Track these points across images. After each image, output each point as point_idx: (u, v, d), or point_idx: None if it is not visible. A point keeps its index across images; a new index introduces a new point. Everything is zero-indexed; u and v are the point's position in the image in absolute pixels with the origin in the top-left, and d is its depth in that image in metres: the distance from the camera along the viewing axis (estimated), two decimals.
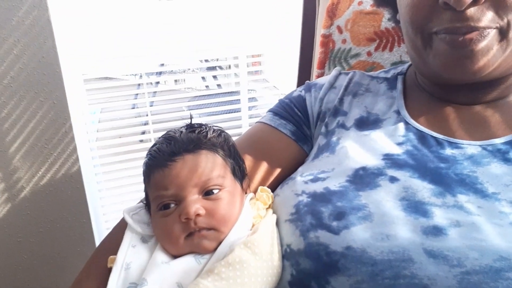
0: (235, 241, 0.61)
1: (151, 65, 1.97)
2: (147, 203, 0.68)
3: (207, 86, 2.76)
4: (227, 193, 0.64)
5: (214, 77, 2.56)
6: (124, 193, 1.76)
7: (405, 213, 0.56)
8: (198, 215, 0.60)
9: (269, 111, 0.83)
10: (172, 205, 0.63)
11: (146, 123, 1.93)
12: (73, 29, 1.57)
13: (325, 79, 0.83)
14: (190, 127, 0.69)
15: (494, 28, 0.59)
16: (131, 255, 0.63)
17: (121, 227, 0.70)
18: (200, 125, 0.69)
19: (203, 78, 2.65)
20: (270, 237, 0.62)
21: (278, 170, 0.76)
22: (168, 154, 0.64)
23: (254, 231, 0.61)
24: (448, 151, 0.63)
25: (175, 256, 0.62)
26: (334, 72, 0.83)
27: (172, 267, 0.60)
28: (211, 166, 0.64)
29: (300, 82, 1.14)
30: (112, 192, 1.77)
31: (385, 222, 0.55)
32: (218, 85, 2.58)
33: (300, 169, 0.73)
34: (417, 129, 0.67)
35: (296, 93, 0.84)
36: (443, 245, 0.51)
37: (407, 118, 0.70)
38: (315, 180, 0.66)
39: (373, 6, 0.95)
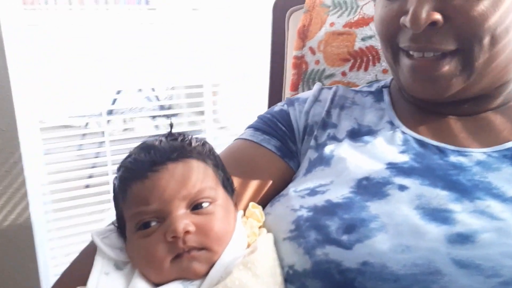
0: (230, 263, 0.54)
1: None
2: (120, 224, 0.60)
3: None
4: (220, 207, 0.57)
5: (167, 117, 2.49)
6: (75, 234, 1.62)
7: (423, 221, 0.52)
8: (187, 232, 0.53)
9: (249, 127, 0.78)
10: (154, 223, 0.55)
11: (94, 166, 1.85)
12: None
13: (307, 94, 0.80)
14: (170, 135, 0.62)
15: (454, 51, 0.59)
16: (104, 285, 0.54)
17: (88, 254, 0.61)
18: (181, 133, 0.62)
19: (156, 126, 2.56)
20: (271, 257, 0.56)
21: (264, 189, 0.70)
22: (148, 163, 0.56)
23: (252, 251, 0.55)
24: (453, 158, 0.61)
25: (157, 284, 0.54)
26: (316, 86, 0.81)
27: None
28: (201, 176, 0.58)
29: (271, 106, 1.11)
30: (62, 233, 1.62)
31: (402, 232, 0.51)
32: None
33: (291, 185, 0.68)
34: (415, 138, 0.65)
35: (277, 108, 0.80)
36: (473, 254, 0.47)
37: (402, 128, 0.67)
38: (312, 193, 0.62)
39: (346, 27, 0.96)
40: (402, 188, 0.57)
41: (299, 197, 0.62)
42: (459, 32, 0.58)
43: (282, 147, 0.74)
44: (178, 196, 0.55)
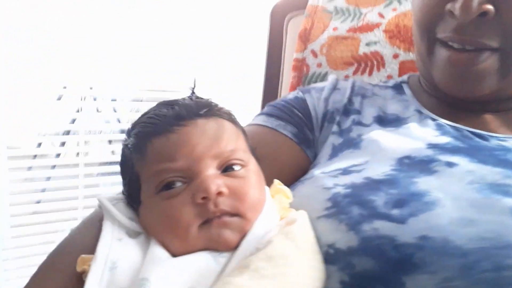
0: (264, 235, 0.46)
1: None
2: (132, 190, 0.51)
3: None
4: (252, 172, 0.51)
5: None
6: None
7: (482, 195, 0.47)
8: (219, 193, 0.46)
9: (260, 114, 0.72)
10: (179, 184, 0.47)
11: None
12: None
13: (322, 83, 0.77)
14: (193, 95, 0.55)
15: (496, 49, 0.57)
16: (117, 251, 0.45)
17: (92, 222, 0.52)
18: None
19: (112, 152, 2.40)
20: (311, 230, 0.48)
21: (281, 175, 0.63)
22: (174, 117, 0.49)
23: (290, 222, 0.47)
24: (494, 142, 0.58)
25: (179, 255, 0.45)
26: (331, 76, 0.77)
27: (182, 265, 0.44)
28: (233, 136, 0.51)
29: None
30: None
31: (461, 206, 0.46)
32: None
33: (314, 170, 0.62)
34: (448, 124, 0.62)
35: (291, 95, 0.75)
36: None
37: (433, 116, 0.64)
38: (346, 173, 0.56)
39: (349, 32, 0.94)
40: (450, 164, 0.52)
41: (330, 177, 0.57)
42: (506, 29, 0.56)
43: (299, 133, 0.68)
44: (209, 154, 0.48)
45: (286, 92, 0.98)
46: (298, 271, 0.43)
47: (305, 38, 0.96)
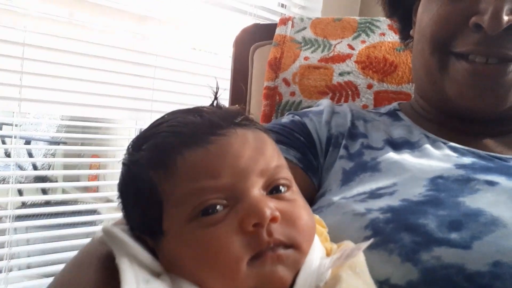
0: (319, 271, 0.39)
1: None
2: (149, 218, 0.40)
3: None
4: (298, 195, 0.43)
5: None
6: None
7: None
8: (273, 219, 0.37)
9: None
10: (220, 208, 0.38)
11: None
12: None
13: (318, 108, 0.72)
14: (217, 102, 0.46)
15: None
16: None
17: (88, 262, 0.41)
18: None
19: (23, 204, 2.13)
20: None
21: None
22: (208, 125, 0.40)
23: (347, 255, 0.40)
24: None
25: None
26: (325, 101, 0.73)
27: None
28: (276, 149, 0.43)
29: None
30: None
31: None
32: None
33: (328, 196, 0.56)
34: (461, 147, 0.59)
35: (286, 119, 0.69)
36: None
37: (441, 139, 0.61)
38: (375, 196, 0.51)
39: (321, 62, 0.92)
40: (490, 183, 0.49)
41: (357, 202, 0.51)
42: None
43: (303, 159, 0.62)
44: (256, 169, 0.39)
45: (256, 121, 0.93)
46: None
47: (275, 67, 0.93)
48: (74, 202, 2.06)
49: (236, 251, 0.36)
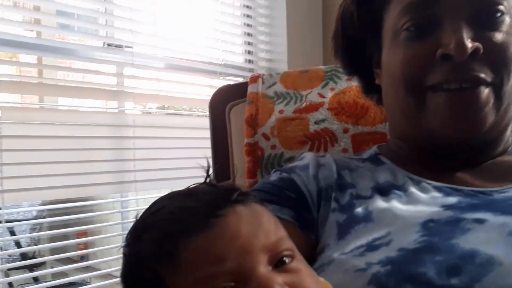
0: None
1: None
2: None
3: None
4: (302, 263, 0.44)
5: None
6: None
7: None
8: None
9: None
10: None
11: None
12: None
13: (302, 162, 0.74)
14: (207, 183, 0.47)
15: (489, 84, 0.60)
16: None
17: None
18: None
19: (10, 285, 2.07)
20: None
21: None
22: (207, 208, 0.41)
23: None
24: (498, 195, 0.58)
25: None
26: (308, 154, 0.76)
27: None
28: (274, 223, 0.44)
29: None
30: None
31: None
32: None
33: (327, 253, 0.58)
34: (445, 186, 0.61)
35: (274, 177, 0.71)
36: None
37: (425, 180, 0.64)
38: (372, 248, 0.53)
39: (296, 113, 0.95)
40: (479, 221, 0.52)
41: (356, 257, 0.53)
42: (494, 63, 0.59)
43: (297, 216, 0.64)
44: (259, 246, 0.40)
45: (241, 177, 0.95)
46: None
47: (253, 123, 0.96)
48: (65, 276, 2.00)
49: None
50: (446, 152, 0.65)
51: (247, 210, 0.42)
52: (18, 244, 2.00)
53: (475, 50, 0.57)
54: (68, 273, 2.05)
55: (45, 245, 2.03)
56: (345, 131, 0.92)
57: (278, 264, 0.41)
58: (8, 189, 1.30)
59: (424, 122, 0.63)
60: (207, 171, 0.47)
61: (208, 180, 0.47)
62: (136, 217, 0.46)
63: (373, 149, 0.77)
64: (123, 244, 0.45)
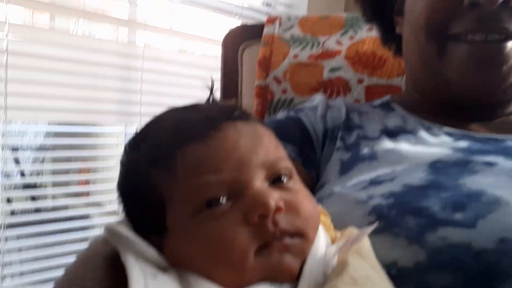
0: (326, 259, 0.39)
1: None
2: (152, 217, 0.41)
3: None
4: (300, 184, 0.43)
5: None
6: None
7: None
8: (278, 209, 0.37)
9: None
10: (223, 200, 0.38)
11: None
12: None
13: (312, 103, 0.73)
14: (213, 98, 0.47)
15: None
16: None
17: (93, 261, 0.42)
18: None
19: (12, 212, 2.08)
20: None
21: None
22: (207, 121, 0.40)
23: (353, 241, 0.40)
24: (509, 142, 0.57)
25: None
26: (319, 96, 0.74)
27: None
28: (274, 142, 0.44)
29: None
30: None
31: None
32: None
33: (327, 187, 0.56)
34: (455, 132, 0.60)
35: (281, 116, 0.70)
36: None
37: (438, 126, 0.62)
38: (376, 183, 0.51)
39: (311, 59, 0.92)
40: (489, 164, 0.50)
41: (359, 190, 0.52)
42: None
43: (301, 153, 0.63)
44: (257, 161, 0.39)
45: None
46: None
47: (265, 66, 0.93)
48: (65, 208, 2.04)
49: (243, 243, 0.36)
50: (461, 104, 0.63)
51: (248, 127, 0.41)
52: (22, 174, 2.02)
53: (505, 0, 0.54)
54: (70, 206, 2.09)
55: (48, 178, 2.04)
56: (360, 81, 0.90)
57: (275, 181, 0.40)
58: (12, 105, 1.29)
59: (443, 72, 0.60)
60: (211, 89, 0.46)
61: (211, 98, 0.46)
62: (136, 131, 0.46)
63: (386, 98, 0.75)
64: (121, 155, 0.45)
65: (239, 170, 0.38)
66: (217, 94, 0.99)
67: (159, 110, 0.45)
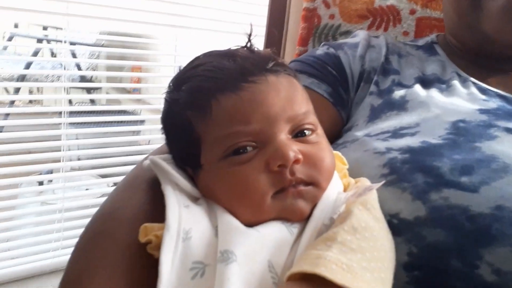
0: (335, 205, 0.43)
1: None
2: (189, 153, 0.45)
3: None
4: (322, 137, 0.46)
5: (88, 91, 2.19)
6: None
7: None
8: (296, 161, 0.41)
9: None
10: (250, 148, 0.42)
11: None
12: None
13: (353, 39, 0.71)
14: (250, 45, 0.48)
15: None
16: (188, 219, 0.40)
17: (137, 185, 0.48)
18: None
19: (70, 102, 2.22)
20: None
21: None
22: (240, 72, 0.43)
23: (360, 193, 0.43)
24: None
25: (248, 223, 0.41)
26: (362, 32, 0.72)
27: (262, 237, 0.40)
28: (305, 96, 0.46)
29: None
30: None
31: None
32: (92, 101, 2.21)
33: (353, 132, 0.58)
34: (490, 89, 0.59)
35: (321, 51, 0.69)
36: None
37: (472, 79, 0.61)
38: (397, 136, 0.53)
39: None
40: (510, 130, 0.50)
41: (380, 140, 0.53)
42: None
43: (334, 93, 0.64)
44: (284, 116, 0.43)
45: (292, 44, 0.93)
46: (381, 244, 0.40)
47: None
48: (118, 104, 2.16)
49: (262, 187, 0.41)
50: (503, 55, 0.62)
51: (280, 81, 0.44)
52: (78, 67, 2.11)
53: None
54: (121, 101, 2.20)
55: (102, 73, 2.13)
56: (412, 12, 0.86)
57: (298, 134, 0.44)
58: (72, 13, 1.34)
59: (478, 24, 0.60)
60: (249, 35, 0.48)
61: (248, 44, 0.48)
62: (179, 68, 0.49)
63: (431, 37, 0.74)
64: (166, 91, 0.48)
65: (267, 123, 0.42)
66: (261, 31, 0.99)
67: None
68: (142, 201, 0.45)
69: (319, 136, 0.45)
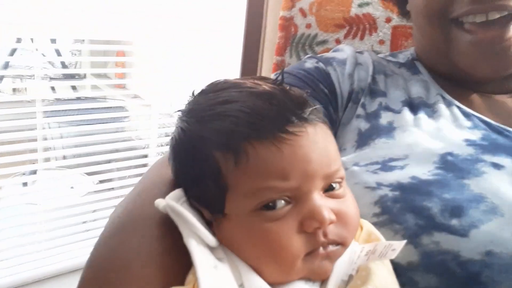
0: (350, 259, 0.43)
1: None
2: (211, 197, 0.42)
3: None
4: (347, 189, 0.45)
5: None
6: None
7: None
8: (330, 222, 0.40)
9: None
10: (282, 203, 0.40)
11: None
12: None
13: (341, 55, 0.70)
14: (278, 81, 0.45)
15: None
16: (219, 284, 0.39)
17: (144, 227, 0.44)
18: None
19: (52, 88, 2.19)
20: None
21: None
22: (281, 121, 0.40)
23: (382, 254, 0.42)
24: None
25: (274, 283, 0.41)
26: (348, 48, 0.71)
27: None
28: (336, 148, 0.44)
29: (244, 73, 0.99)
30: None
31: None
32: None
33: (345, 159, 0.58)
34: (474, 114, 0.59)
35: (310, 65, 0.67)
36: None
37: (456, 103, 0.61)
38: (387, 169, 0.53)
39: None
40: (496, 166, 0.50)
41: (369, 173, 0.53)
42: None
43: (325, 112, 0.61)
44: (321, 173, 0.40)
45: (270, 51, 0.93)
46: None
47: None
48: (103, 99, 2.14)
49: (296, 249, 0.39)
50: (474, 81, 0.64)
51: (316, 132, 0.41)
52: (58, 53, 2.09)
53: None
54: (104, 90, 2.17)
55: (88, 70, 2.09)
56: (388, 20, 0.86)
57: (328, 188, 0.42)
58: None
59: (453, 59, 0.61)
60: (281, 73, 0.45)
61: (278, 81, 0.45)
62: (192, 94, 0.46)
63: (410, 51, 0.73)
64: (178, 116, 0.45)
65: (305, 180, 0.40)
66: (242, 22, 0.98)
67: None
68: (155, 252, 0.42)
69: (344, 188, 0.44)
